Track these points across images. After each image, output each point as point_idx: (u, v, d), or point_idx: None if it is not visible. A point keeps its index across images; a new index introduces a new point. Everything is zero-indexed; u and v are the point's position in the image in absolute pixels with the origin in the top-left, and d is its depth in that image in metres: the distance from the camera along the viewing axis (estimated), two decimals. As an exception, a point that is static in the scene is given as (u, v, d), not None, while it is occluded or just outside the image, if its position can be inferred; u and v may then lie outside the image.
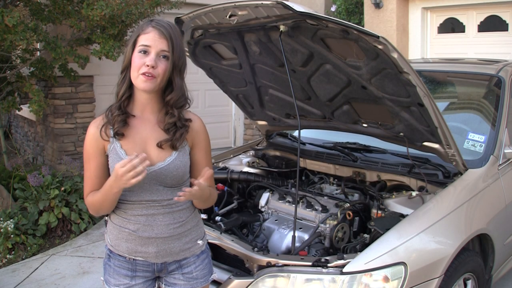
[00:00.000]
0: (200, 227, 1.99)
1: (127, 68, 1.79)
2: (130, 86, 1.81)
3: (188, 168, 1.89)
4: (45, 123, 6.26)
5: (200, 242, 1.96)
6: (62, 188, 4.67)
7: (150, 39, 1.74)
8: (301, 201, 2.84)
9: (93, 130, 1.83)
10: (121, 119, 1.79)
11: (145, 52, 1.74)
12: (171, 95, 1.80)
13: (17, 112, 6.93)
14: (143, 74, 1.73)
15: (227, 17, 2.44)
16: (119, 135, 1.79)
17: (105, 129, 1.80)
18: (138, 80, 1.75)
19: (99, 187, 1.81)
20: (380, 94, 2.53)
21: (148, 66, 1.72)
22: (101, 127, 1.81)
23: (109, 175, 1.82)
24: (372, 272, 2.07)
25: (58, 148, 5.97)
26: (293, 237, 2.44)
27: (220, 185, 3.11)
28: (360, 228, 2.65)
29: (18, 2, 4.60)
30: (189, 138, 1.88)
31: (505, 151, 2.90)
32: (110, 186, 1.72)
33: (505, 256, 2.96)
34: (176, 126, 1.82)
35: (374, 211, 2.65)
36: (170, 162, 1.81)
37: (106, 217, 1.97)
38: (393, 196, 2.71)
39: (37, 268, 3.94)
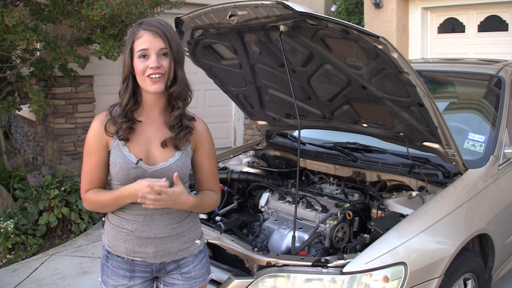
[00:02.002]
0: (198, 227, 1.99)
1: (128, 77, 1.79)
2: (134, 93, 1.81)
3: (188, 171, 1.89)
4: (45, 123, 6.26)
5: (198, 241, 1.96)
6: (62, 188, 4.66)
7: (146, 42, 1.74)
8: (301, 201, 2.84)
9: (97, 125, 1.82)
10: (126, 126, 1.79)
11: (145, 56, 1.75)
12: (174, 87, 1.80)
13: (17, 112, 6.93)
14: (150, 78, 1.74)
15: (227, 17, 2.44)
16: (124, 140, 1.80)
17: (109, 125, 1.81)
18: (147, 84, 1.76)
19: (98, 183, 1.82)
20: (380, 94, 2.53)
21: (152, 68, 1.73)
22: (106, 122, 1.81)
23: (108, 171, 1.84)
24: (372, 272, 2.07)
25: (58, 148, 5.97)
26: (293, 237, 2.43)
27: (220, 185, 3.10)
28: (360, 228, 2.65)
29: (18, 2, 4.60)
30: (192, 140, 1.89)
31: (505, 151, 2.90)
32: (126, 196, 1.75)
33: (505, 256, 2.96)
34: (181, 124, 1.83)
35: (374, 211, 2.65)
36: (173, 163, 1.82)
37: (104, 218, 1.97)
38: (393, 196, 2.70)
39: (37, 268, 3.94)
